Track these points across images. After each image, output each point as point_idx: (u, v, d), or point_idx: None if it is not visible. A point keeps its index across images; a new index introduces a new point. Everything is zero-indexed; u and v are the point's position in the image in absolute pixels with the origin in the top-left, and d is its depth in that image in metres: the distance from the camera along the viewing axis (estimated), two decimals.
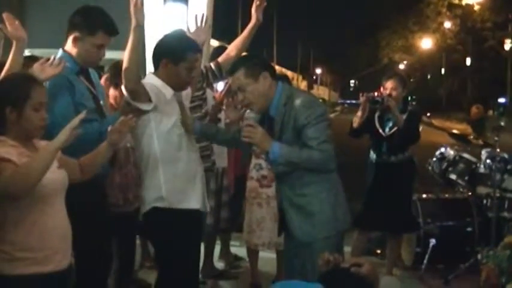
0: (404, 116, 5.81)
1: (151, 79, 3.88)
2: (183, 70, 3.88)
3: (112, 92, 4.80)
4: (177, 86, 3.93)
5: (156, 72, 3.93)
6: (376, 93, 6.35)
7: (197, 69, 4.22)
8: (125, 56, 3.68)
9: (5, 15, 3.69)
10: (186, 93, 4.15)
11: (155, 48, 3.93)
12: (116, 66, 4.75)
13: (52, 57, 3.72)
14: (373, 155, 5.98)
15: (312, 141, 3.65)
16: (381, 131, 5.89)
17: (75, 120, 2.98)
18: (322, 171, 3.75)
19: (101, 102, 4.06)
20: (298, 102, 3.72)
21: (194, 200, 3.94)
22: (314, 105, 3.76)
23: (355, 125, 5.83)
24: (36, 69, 3.60)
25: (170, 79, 3.88)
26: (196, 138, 4.22)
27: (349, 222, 3.99)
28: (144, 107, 3.78)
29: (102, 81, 4.72)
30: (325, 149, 3.66)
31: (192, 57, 3.92)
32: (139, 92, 3.74)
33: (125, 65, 3.69)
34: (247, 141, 3.72)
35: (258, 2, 4.69)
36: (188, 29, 4.43)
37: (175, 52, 3.87)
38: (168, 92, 3.88)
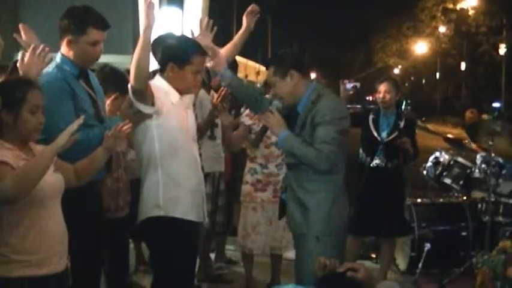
0: (401, 123, 5.82)
1: (158, 82, 3.88)
2: (189, 73, 3.88)
3: None
4: (184, 90, 3.93)
5: (162, 75, 3.92)
6: (370, 97, 6.37)
7: (202, 72, 4.21)
8: (134, 56, 3.64)
9: (21, 26, 3.78)
10: (190, 96, 4.12)
11: (161, 52, 3.91)
12: (102, 71, 4.56)
13: (31, 48, 3.57)
14: (367, 159, 5.90)
15: (316, 139, 3.81)
16: (376, 135, 5.88)
17: (74, 125, 3.02)
18: (316, 170, 3.85)
19: (100, 106, 4.02)
20: (324, 101, 3.89)
21: (191, 210, 3.90)
22: (336, 108, 3.90)
23: None
24: (23, 68, 3.51)
25: (176, 82, 3.88)
26: None
27: (344, 228, 4.06)
28: (147, 110, 3.76)
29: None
30: (322, 149, 3.78)
31: (197, 60, 3.90)
32: (145, 94, 3.71)
33: (133, 65, 3.63)
34: (263, 123, 4.11)
35: (250, 9, 4.50)
36: (192, 33, 4.38)
37: (181, 56, 3.86)
38: (175, 96, 3.88)
